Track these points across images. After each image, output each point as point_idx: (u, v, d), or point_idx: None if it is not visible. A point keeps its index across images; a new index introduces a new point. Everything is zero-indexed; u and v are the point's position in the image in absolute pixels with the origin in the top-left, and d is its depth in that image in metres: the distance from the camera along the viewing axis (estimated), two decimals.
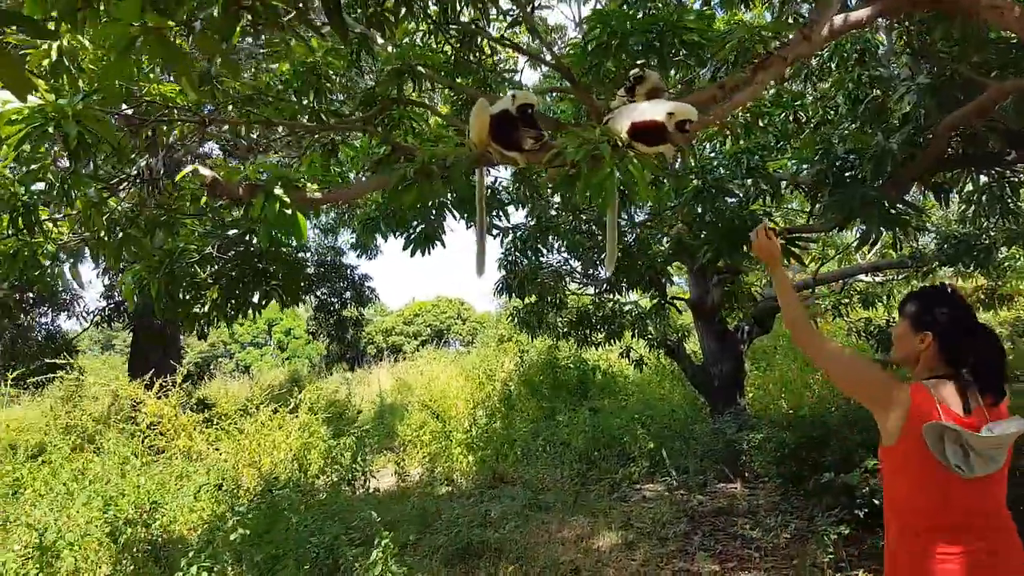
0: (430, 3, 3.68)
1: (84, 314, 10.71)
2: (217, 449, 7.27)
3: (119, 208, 2.92)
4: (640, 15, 3.14)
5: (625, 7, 3.37)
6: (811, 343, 2.13)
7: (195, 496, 5.79)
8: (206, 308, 3.18)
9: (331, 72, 3.36)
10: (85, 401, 8.45)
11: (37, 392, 10.81)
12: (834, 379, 2.13)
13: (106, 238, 2.84)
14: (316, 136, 3.96)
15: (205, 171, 2.41)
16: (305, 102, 3.42)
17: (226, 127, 4.17)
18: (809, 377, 8.41)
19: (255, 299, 3.18)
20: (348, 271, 13.77)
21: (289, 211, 2.36)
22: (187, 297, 3.14)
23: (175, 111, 3.12)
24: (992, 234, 6.58)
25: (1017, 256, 9.06)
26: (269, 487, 5.67)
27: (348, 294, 13.84)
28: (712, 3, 5.22)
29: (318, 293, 13.41)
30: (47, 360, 8.44)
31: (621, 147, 2.01)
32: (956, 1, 2.62)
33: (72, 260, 3.40)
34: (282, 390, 11.91)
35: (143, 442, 7.18)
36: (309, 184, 2.55)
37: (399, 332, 34.80)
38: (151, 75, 3.16)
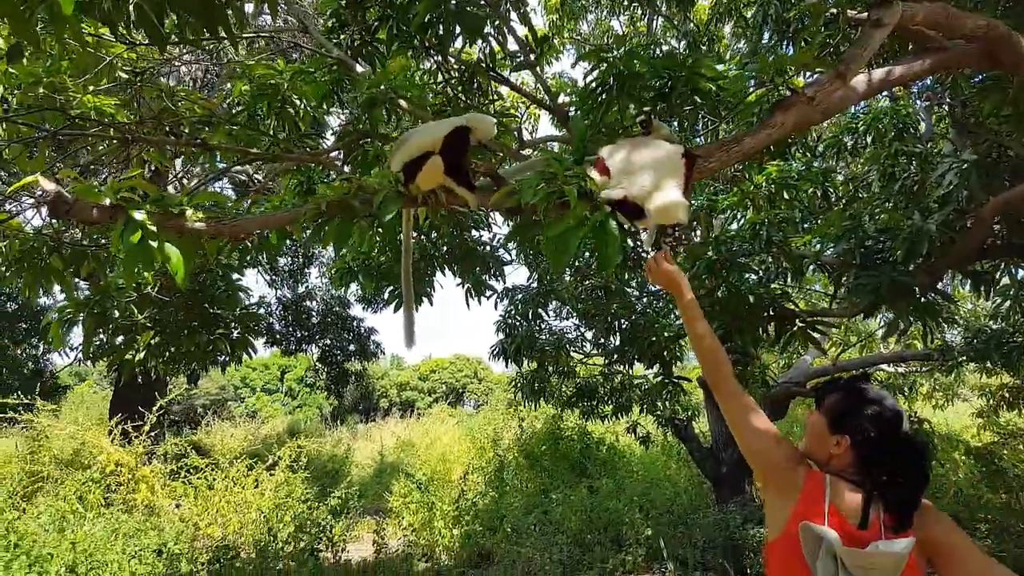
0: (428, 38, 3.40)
1: (68, 349, 10.27)
2: (178, 505, 6.67)
3: (27, 232, 2.54)
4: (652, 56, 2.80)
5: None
6: (727, 386, 1.80)
7: (139, 559, 5.21)
8: (141, 354, 2.80)
9: (295, 98, 3.03)
10: (53, 442, 7.92)
11: (12, 427, 10.14)
12: (738, 435, 1.77)
13: (6, 268, 2.46)
14: (282, 169, 3.64)
15: (47, 184, 1.88)
16: (265, 129, 3.08)
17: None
18: None
19: (196, 348, 2.81)
20: (353, 323, 13.48)
21: (155, 243, 1.90)
22: (119, 341, 2.78)
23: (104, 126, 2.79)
24: None
25: None
26: (217, 556, 5.13)
27: (352, 347, 13.51)
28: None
29: (321, 344, 13.12)
30: (24, 396, 7.90)
31: (594, 195, 1.61)
32: (1020, 64, 2.28)
33: None
34: (278, 441, 11.38)
35: (99, 494, 6.50)
36: (193, 212, 2.07)
37: (413, 387, 34.50)
38: None
